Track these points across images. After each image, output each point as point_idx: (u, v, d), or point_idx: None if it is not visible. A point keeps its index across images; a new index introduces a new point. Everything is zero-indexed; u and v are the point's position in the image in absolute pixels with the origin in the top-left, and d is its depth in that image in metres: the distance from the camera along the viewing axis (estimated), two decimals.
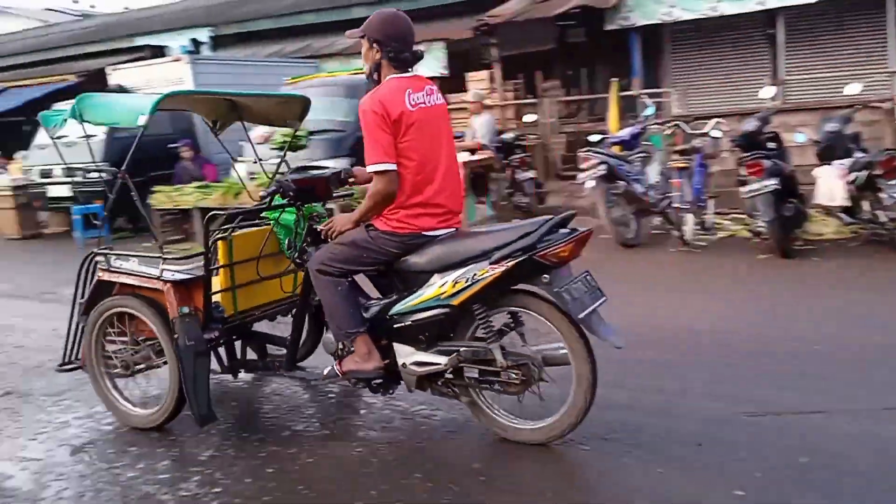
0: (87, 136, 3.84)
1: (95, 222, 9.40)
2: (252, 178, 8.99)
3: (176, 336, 3.21)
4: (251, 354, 3.85)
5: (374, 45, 2.99)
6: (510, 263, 2.82)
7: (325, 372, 3.29)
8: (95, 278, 3.65)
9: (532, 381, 2.96)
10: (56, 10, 28.45)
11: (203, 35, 15.20)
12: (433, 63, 12.37)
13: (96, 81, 13.18)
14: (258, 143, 9.37)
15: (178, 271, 3.42)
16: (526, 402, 3.03)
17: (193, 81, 10.85)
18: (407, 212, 2.99)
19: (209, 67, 11.61)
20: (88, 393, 3.94)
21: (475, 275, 2.87)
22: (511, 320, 3.11)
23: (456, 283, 2.91)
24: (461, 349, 3.00)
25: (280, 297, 3.77)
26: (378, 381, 3.16)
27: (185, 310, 3.25)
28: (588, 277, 2.94)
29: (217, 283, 3.54)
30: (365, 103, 2.93)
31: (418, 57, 3.07)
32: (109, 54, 15.61)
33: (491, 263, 2.85)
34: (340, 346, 3.19)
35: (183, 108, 4.76)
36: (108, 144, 9.85)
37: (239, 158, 9.61)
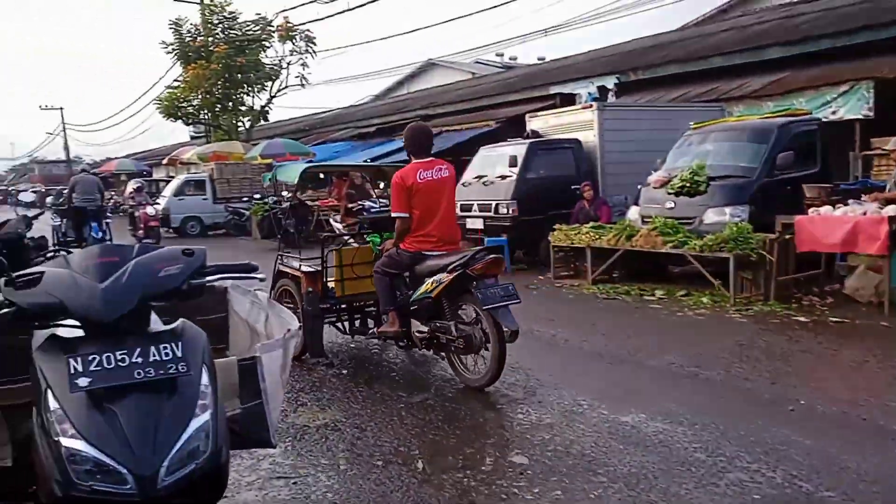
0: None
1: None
2: (645, 222, 9.05)
3: (303, 303, 5.59)
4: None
5: (404, 146, 5.45)
6: (453, 274, 4.78)
7: (370, 332, 5.90)
8: (276, 269, 6.16)
9: (474, 348, 4.87)
10: (484, 63, 32.36)
11: (610, 82, 15.81)
12: (854, 105, 11.01)
13: (514, 126, 14.57)
14: (655, 188, 9.47)
15: (309, 266, 5.86)
16: (473, 366, 5.06)
17: (601, 126, 11.33)
18: (413, 239, 5.15)
19: (615, 113, 12.03)
20: (495, 410, 4.40)
21: (440, 279, 4.85)
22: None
23: (432, 283, 4.90)
24: (436, 324, 5.01)
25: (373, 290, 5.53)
26: (400, 341, 5.43)
27: (310, 289, 5.61)
28: (509, 287, 4.79)
29: (333, 275, 5.81)
30: (395, 175, 5.20)
31: (429, 150, 5.31)
32: (526, 102, 17.16)
33: (447, 273, 4.81)
34: (382, 317, 5.46)
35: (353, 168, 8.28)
36: (518, 184, 10.83)
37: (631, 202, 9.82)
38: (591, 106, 11.96)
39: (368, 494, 3.43)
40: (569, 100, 16.15)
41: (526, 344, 6.41)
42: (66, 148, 54.79)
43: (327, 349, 5.96)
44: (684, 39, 17.47)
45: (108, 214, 15.00)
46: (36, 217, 6.89)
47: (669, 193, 9.00)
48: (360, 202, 10.83)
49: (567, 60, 20.73)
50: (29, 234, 7.52)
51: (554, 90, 17.06)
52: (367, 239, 6.14)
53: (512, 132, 13.79)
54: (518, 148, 11.42)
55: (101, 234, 13.46)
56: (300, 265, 5.88)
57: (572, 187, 10.90)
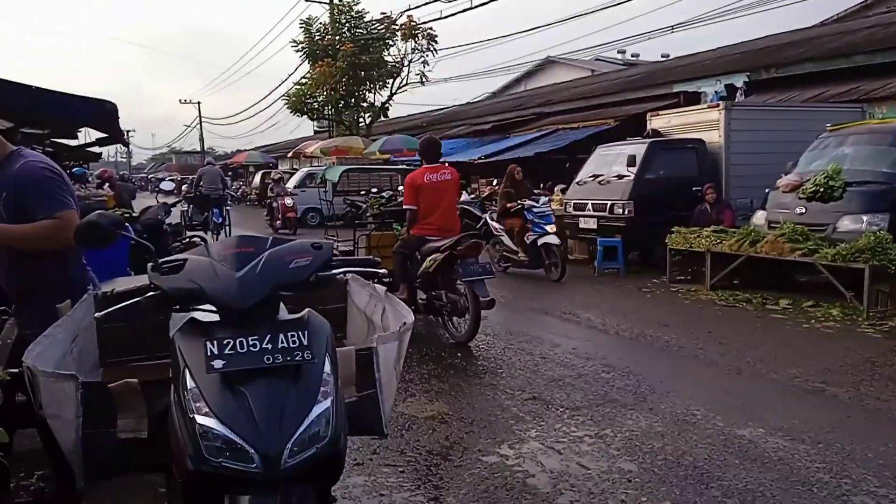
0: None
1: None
2: (772, 227, 8.60)
3: None
4: None
5: (419, 153, 7.49)
6: (444, 253, 6.14)
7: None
8: None
9: (458, 312, 6.33)
10: (604, 60, 31.71)
11: (738, 80, 15.11)
12: None
13: (634, 125, 14.22)
14: (784, 192, 8.97)
15: (344, 246, 7.81)
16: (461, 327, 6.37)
17: (727, 126, 10.87)
18: (419, 226, 6.58)
19: (744, 113, 11.47)
20: (602, 414, 4.37)
21: (435, 258, 6.20)
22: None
23: (430, 261, 6.24)
24: (432, 293, 6.55)
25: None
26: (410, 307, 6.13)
27: None
28: (487, 264, 6.27)
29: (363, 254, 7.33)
30: (408, 177, 6.84)
31: (437, 158, 6.92)
32: (648, 100, 16.69)
33: (440, 252, 6.18)
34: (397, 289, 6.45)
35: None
36: (636, 184, 10.57)
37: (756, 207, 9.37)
38: (717, 105, 11.46)
39: (473, 488, 3.48)
40: (693, 99, 15.58)
41: (637, 348, 6.31)
42: (202, 139, 58.35)
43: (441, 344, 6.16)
44: (822, 36, 16.41)
45: (229, 202, 16.64)
46: (174, 205, 7.50)
47: (801, 198, 8.51)
48: (520, 201, 10.67)
49: (693, 58, 19.96)
50: (167, 221, 8.19)
51: (678, 88, 16.51)
52: (394, 227, 8.16)
53: (631, 131, 13.44)
54: (637, 147, 11.14)
55: (220, 219, 15.03)
56: (337, 245, 6.62)
57: (693, 189, 10.53)
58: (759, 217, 9.14)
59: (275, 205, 19.26)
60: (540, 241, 10.22)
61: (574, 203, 11.67)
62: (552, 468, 3.70)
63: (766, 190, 9.34)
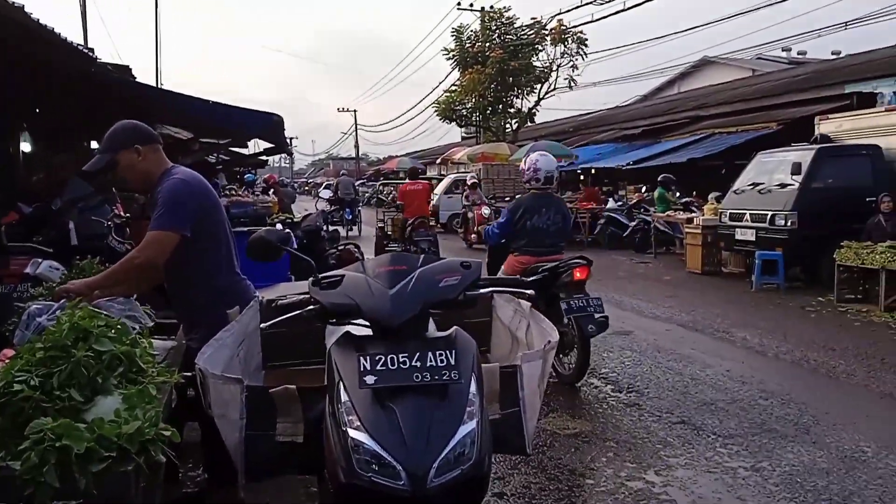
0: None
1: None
2: None
3: None
4: None
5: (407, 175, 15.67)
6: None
7: None
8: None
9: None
10: (766, 59, 29.78)
11: None
12: None
13: (799, 129, 13.28)
14: None
15: None
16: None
17: None
18: (406, 213, 13.31)
19: None
20: (759, 445, 4.11)
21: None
22: None
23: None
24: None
25: None
26: None
27: None
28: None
29: None
30: (399, 187, 15.43)
31: (416, 177, 14.43)
32: (815, 102, 15.50)
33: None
34: None
35: None
36: (801, 194, 9.86)
37: None
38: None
39: None
40: (868, 100, 14.29)
41: (799, 374, 5.88)
42: (357, 146, 61.03)
43: None
44: None
45: (360, 204, 22.22)
46: (331, 213, 7.90)
47: None
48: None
49: (868, 55, 18.26)
50: (325, 227, 8.72)
51: (850, 89, 15.20)
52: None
53: (795, 136, 12.52)
54: (803, 154, 10.38)
55: (350, 216, 19.67)
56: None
57: (867, 199, 9.63)
58: None
59: (470, 215, 16.42)
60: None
61: (730, 213, 11.07)
62: (703, 500, 3.52)
63: None
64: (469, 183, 17.70)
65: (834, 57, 24.12)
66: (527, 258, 5.51)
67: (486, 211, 15.12)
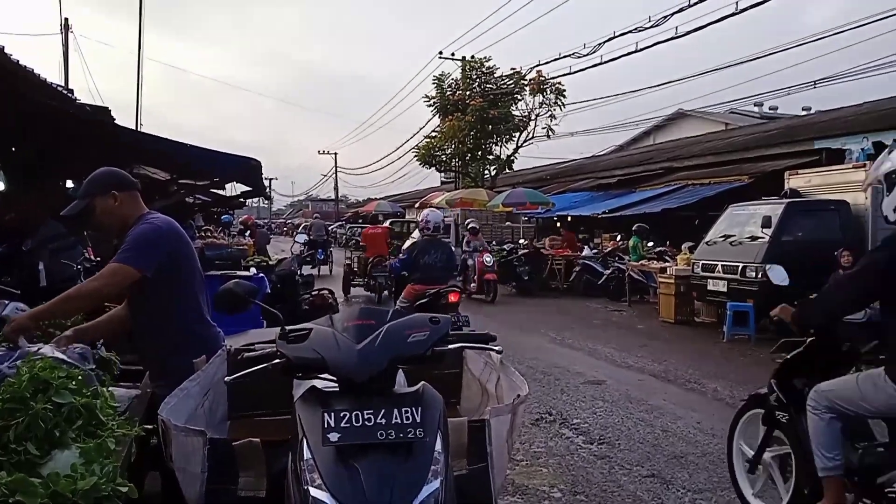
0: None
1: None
2: None
3: None
4: None
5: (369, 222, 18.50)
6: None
7: None
8: None
9: None
10: (739, 113, 30.57)
11: (888, 138, 14.10)
12: None
13: (770, 183, 13.58)
14: None
15: None
16: None
17: (874, 188, 10.13)
18: (368, 253, 14.99)
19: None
20: (728, 500, 4.09)
21: None
22: None
23: None
24: None
25: None
26: None
27: None
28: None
29: None
30: (363, 231, 17.62)
31: (376, 223, 17.60)
32: (786, 157, 15.87)
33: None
34: None
35: None
36: (771, 247, 10.04)
37: None
38: (864, 165, 10.76)
39: None
40: (836, 156, 14.69)
41: None
42: (336, 188, 61.22)
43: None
44: None
45: (332, 246, 24.37)
46: (305, 258, 7.92)
47: None
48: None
49: (837, 112, 18.85)
50: (299, 272, 8.70)
51: (819, 145, 15.63)
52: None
53: (766, 190, 12.81)
54: (773, 207, 10.62)
55: (322, 257, 21.11)
56: None
57: (835, 253, 9.84)
58: None
59: (469, 262, 15.04)
60: None
61: (703, 263, 11.23)
62: None
63: None
64: (469, 227, 16.57)
65: (804, 113, 24.82)
66: (420, 286, 6.84)
67: (487, 259, 14.27)
